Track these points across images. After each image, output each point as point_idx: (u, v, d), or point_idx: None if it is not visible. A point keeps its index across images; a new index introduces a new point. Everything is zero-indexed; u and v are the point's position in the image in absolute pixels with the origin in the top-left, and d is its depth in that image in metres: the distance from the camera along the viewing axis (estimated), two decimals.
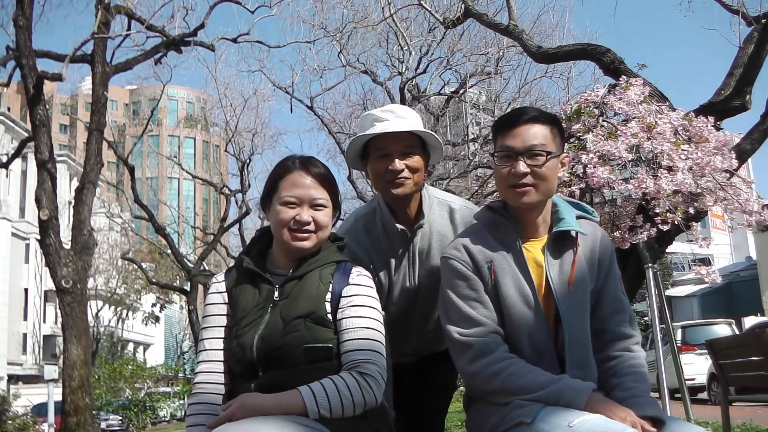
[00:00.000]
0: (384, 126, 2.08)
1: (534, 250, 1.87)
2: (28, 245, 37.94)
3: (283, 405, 1.60)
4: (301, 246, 1.84)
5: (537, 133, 1.83)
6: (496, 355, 1.77)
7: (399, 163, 2.08)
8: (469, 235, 1.90)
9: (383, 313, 2.03)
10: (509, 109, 16.83)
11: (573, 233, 1.87)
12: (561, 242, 1.87)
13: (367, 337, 1.76)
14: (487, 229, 1.90)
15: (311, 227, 1.84)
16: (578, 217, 1.92)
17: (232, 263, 2.19)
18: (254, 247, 1.96)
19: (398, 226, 2.15)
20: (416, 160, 2.11)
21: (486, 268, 1.83)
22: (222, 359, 1.84)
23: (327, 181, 1.90)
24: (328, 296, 1.81)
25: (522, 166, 1.81)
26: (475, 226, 1.96)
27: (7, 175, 34.11)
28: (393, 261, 2.19)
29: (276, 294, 1.82)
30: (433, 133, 2.17)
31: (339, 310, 1.80)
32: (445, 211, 2.23)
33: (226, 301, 1.88)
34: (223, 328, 1.87)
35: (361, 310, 1.80)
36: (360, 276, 1.86)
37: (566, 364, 1.79)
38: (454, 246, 1.90)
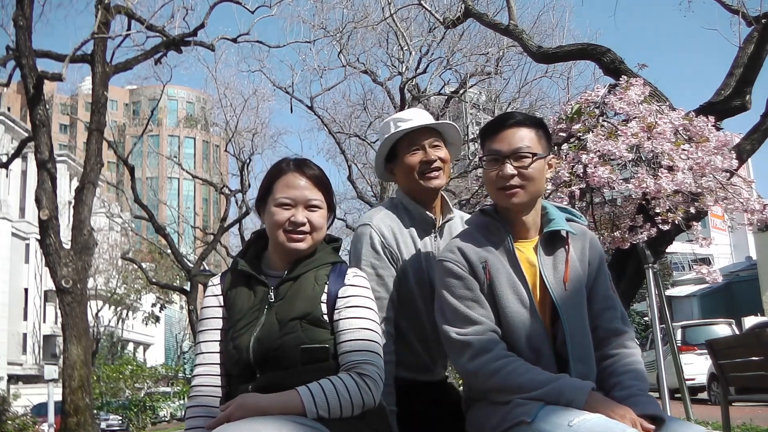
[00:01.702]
0: (411, 124, 2.19)
1: (526, 250, 1.91)
2: (28, 245, 37.93)
3: (282, 405, 1.60)
4: (296, 247, 1.85)
5: (523, 136, 1.88)
6: (495, 352, 1.78)
7: (432, 154, 2.17)
8: (463, 238, 1.94)
9: (395, 305, 2.02)
10: (509, 109, 16.89)
11: (564, 233, 1.92)
12: (553, 242, 1.92)
13: (365, 338, 1.77)
14: (479, 232, 1.94)
15: (306, 228, 1.85)
16: (567, 220, 1.97)
17: None
18: (250, 250, 1.97)
19: (429, 214, 2.21)
20: (444, 153, 2.22)
21: (481, 268, 1.86)
22: (219, 362, 1.85)
23: (321, 182, 1.91)
24: (324, 297, 1.82)
25: (509, 169, 1.86)
26: (468, 229, 2.00)
27: (7, 175, 34.11)
28: (419, 253, 2.18)
29: (271, 295, 1.83)
30: (455, 125, 2.27)
31: (336, 311, 1.80)
32: (458, 216, 2.32)
33: (222, 304, 1.89)
34: (219, 331, 1.87)
35: (358, 311, 1.80)
36: (356, 277, 1.88)
37: (569, 359, 1.81)
38: (448, 249, 1.93)
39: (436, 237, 2.21)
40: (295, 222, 1.84)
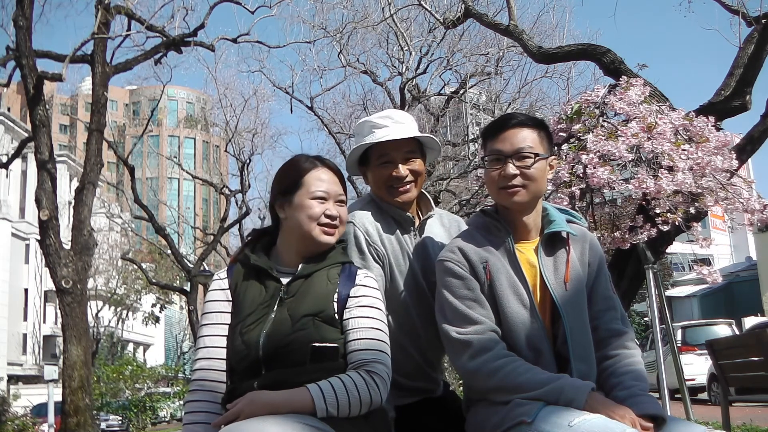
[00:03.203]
0: (385, 132, 2.10)
1: (527, 251, 1.92)
2: (28, 245, 37.91)
3: (292, 402, 1.59)
4: (328, 241, 1.88)
5: (525, 137, 1.89)
6: (495, 351, 1.79)
7: (403, 169, 2.10)
8: (463, 238, 1.95)
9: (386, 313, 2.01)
10: (509, 110, 16.79)
11: (564, 234, 1.93)
12: (553, 243, 1.93)
13: (374, 337, 1.77)
14: (479, 233, 1.95)
15: (338, 222, 1.89)
16: (567, 222, 1.98)
17: None
18: (257, 245, 1.95)
19: (407, 213, 2.15)
20: (418, 164, 2.14)
21: (481, 268, 1.86)
22: (223, 357, 1.82)
23: (342, 178, 1.96)
24: (335, 296, 1.81)
25: (511, 168, 1.86)
26: (469, 229, 2.00)
27: (7, 175, 34.07)
28: (403, 251, 2.14)
29: (283, 291, 1.81)
30: (433, 137, 2.19)
31: (346, 310, 1.80)
32: (438, 215, 2.28)
33: (229, 298, 1.87)
34: (225, 326, 1.84)
35: (368, 311, 1.81)
36: (367, 278, 1.88)
37: (570, 358, 1.82)
38: (448, 248, 1.94)
39: (415, 235, 2.17)
40: (331, 215, 1.87)
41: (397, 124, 2.12)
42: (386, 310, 2.06)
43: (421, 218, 2.20)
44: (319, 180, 1.90)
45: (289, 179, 1.92)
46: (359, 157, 2.18)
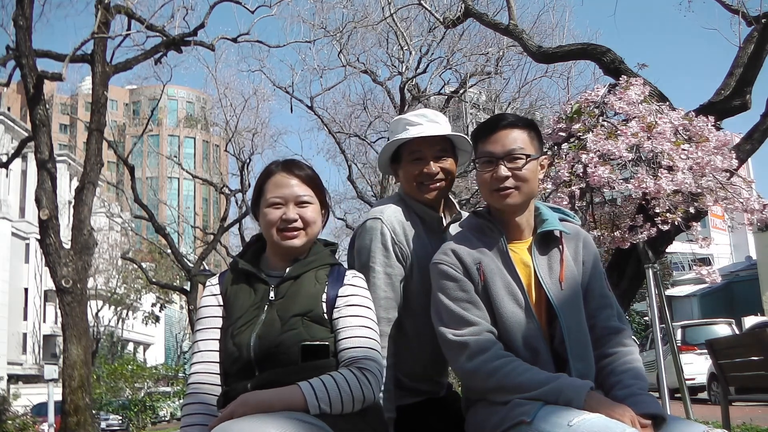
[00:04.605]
0: (419, 130, 2.12)
1: (520, 251, 1.92)
2: (28, 245, 37.92)
3: (284, 400, 1.60)
4: (291, 244, 1.87)
5: (516, 138, 1.89)
6: (492, 352, 1.79)
7: (434, 167, 2.12)
8: (457, 240, 1.95)
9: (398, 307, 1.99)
10: (509, 109, 16.74)
11: (557, 233, 1.93)
12: (546, 242, 1.93)
13: (364, 335, 1.78)
14: (472, 234, 1.95)
15: (299, 224, 1.87)
16: (560, 220, 1.97)
17: None
18: (249, 251, 1.98)
19: (436, 213, 2.16)
20: (450, 164, 2.16)
21: (475, 270, 1.87)
22: (217, 360, 1.84)
23: (311, 179, 1.93)
24: (324, 297, 1.83)
25: (503, 170, 1.87)
26: (461, 231, 2.00)
27: (7, 175, 34.05)
28: (427, 252, 2.11)
29: (272, 294, 1.83)
30: (466, 138, 2.19)
31: (335, 310, 1.81)
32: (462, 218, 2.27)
33: (221, 303, 1.90)
34: (218, 330, 1.87)
35: (358, 310, 1.82)
36: (355, 278, 1.89)
37: (568, 357, 1.82)
38: (442, 251, 1.94)
39: (439, 238, 2.16)
40: (287, 219, 1.86)
41: (431, 123, 2.15)
42: (401, 311, 2.06)
43: (446, 222, 2.21)
44: (275, 186, 1.90)
45: (255, 190, 1.96)
46: (392, 154, 2.19)
